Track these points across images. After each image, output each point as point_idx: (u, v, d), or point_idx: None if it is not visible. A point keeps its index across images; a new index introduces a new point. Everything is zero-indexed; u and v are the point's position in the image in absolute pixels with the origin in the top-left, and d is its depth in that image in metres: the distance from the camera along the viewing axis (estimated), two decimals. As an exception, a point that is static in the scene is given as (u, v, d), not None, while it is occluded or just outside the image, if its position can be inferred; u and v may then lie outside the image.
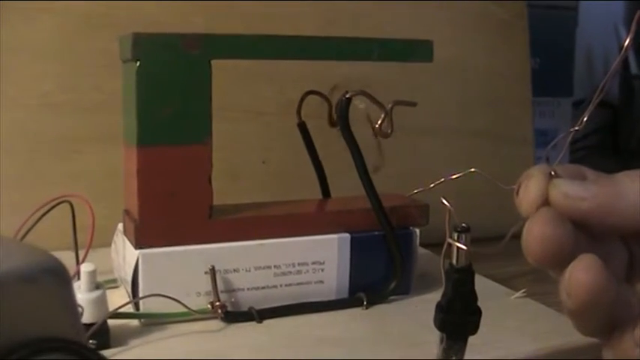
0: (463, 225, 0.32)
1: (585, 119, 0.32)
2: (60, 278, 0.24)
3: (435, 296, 0.34)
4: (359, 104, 0.50)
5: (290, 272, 0.50)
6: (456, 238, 0.32)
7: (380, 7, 0.78)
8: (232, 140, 0.70)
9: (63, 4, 0.66)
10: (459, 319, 0.33)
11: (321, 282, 0.51)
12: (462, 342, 0.34)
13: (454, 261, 0.33)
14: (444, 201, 0.32)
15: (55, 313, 0.24)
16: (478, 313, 0.34)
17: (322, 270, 0.51)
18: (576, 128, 0.32)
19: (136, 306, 0.47)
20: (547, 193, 0.31)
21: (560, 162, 0.32)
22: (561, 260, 0.30)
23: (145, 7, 0.69)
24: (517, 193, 0.32)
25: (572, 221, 0.30)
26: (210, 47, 0.47)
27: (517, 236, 0.31)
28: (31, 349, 0.22)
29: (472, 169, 0.36)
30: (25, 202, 0.54)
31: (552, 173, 0.31)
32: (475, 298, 0.34)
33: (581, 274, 0.29)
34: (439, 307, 0.34)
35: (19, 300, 0.22)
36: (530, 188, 0.31)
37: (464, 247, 0.32)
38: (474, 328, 0.34)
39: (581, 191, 0.30)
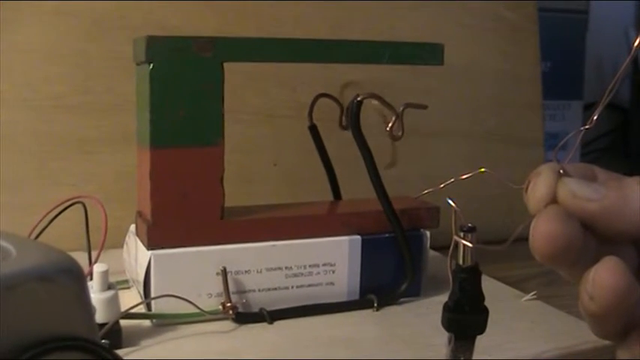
0: (469, 225, 0.32)
1: (595, 118, 0.32)
2: (76, 278, 0.24)
3: (446, 298, 0.34)
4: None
5: (301, 274, 0.50)
6: (462, 236, 0.32)
7: (391, 10, 0.78)
8: (244, 143, 0.71)
9: (76, 6, 0.67)
10: (466, 318, 0.34)
11: (332, 284, 0.51)
12: (469, 342, 0.34)
13: (461, 261, 0.33)
14: (450, 201, 0.33)
15: (71, 312, 0.24)
16: (485, 312, 0.34)
17: (333, 272, 0.51)
18: (587, 127, 0.33)
19: (148, 306, 0.48)
20: (555, 191, 0.31)
21: (570, 161, 0.33)
22: (569, 259, 0.30)
23: (157, 9, 0.69)
24: (526, 190, 0.32)
25: (580, 221, 0.30)
26: (223, 50, 0.47)
27: (527, 238, 0.31)
28: (47, 347, 0.23)
29: (482, 169, 0.36)
30: (38, 203, 0.55)
31: (561, 171, 0.31)
32: (482, 297, 0.34)
33: (607, 276, 0.29)
34: (446, 307, 0.34)
35: (35, 298, 0.23)
36: (538, 186, 0.31)
37: (469, 244, 0.32)
38: (481, 328, 0.34)
39: (589, 192, 0.30)
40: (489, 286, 0.33)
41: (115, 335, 0.44)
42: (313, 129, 0.58)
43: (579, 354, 0.45)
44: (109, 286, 0.45)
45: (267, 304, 0.49)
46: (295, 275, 0.50)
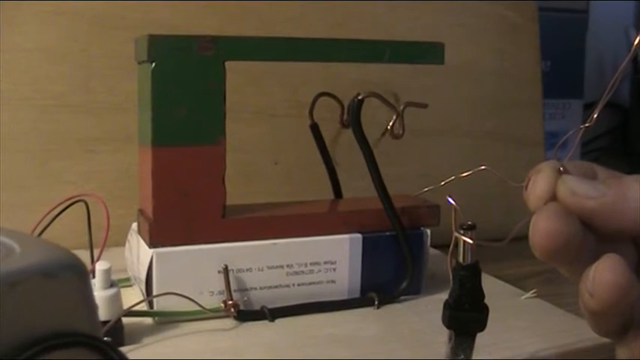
0: (469, 222, 0.33)
1: (596, 116, 0.32)
2: (79, 274, 0.24)
3: (446, 296, 0.35)
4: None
5: (302, 272, 0.50)
6: (462, 233, 0.33)
7: (391, 9, 0.78)
8: (244, 142, 0.71)
9: (77, 6, 0.67)
10: (466, 316, 0.34)
11: (333, 282, 0.51)
12: (469, 339, 0.35)
13: (461, 259, 0.33)
14: (450, 199, 0.33)
15: (74, 309, 0.24)
16: (485, 310, 0.34)
17: (334, 270, 0.51)
18: (587, 125, 0.33)
19: (150, 304, 0.48)
20: (555, 189, 0.31)
21: (570, 160, 0.33)
22: (569, 256, 0.30)
23: (158, 9, 0.69)
24: (526, 187, 0.33)
25: (580, 219, 0.30)
26: (224, 49, 0.48)
27: (526, 237, 0.31)
28: (50, 343, 0.23)
29: (482, 167, 0.36)
30: (40, 201, 0.55)
31: (561, 169, 0.32)
32: (482, 295, 0.34)
33: (607, 273, 0.29)
34: (447, 305, 0.34)
35: (39, 295, 0.23)
36: (538, 183, 0.32)
37: (470, 240, 0.33)
38: (481, 325, 0.35)
39: (589, 190, 0.31)
40: (488, 284, 0.34)
41: (116, 333, 0.44)
42: (314, 128, 0.58)
43: (578, 352, 0.45)
44: (111, 284, 0.45)
45: (269, 302, 0.49)
46: (296, 273, 0.50)
